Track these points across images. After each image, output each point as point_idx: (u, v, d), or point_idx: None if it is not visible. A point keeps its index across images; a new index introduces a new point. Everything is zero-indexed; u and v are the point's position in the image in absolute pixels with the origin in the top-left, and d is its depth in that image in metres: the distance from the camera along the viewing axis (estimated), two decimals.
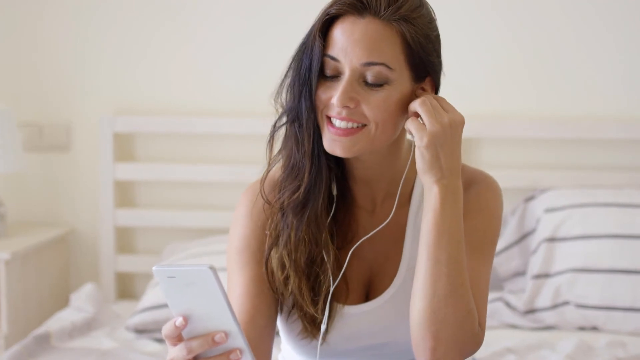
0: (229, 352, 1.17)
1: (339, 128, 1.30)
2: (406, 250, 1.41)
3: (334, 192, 1.39)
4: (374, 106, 1.29)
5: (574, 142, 2.85)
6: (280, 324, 1.44)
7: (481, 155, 2.86)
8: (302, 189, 1.35)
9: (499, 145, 2.87)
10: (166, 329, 1.18)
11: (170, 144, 2.99)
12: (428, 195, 1.29)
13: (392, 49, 1.29)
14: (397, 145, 1.38)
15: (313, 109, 1.32)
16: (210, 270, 1.12)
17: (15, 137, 2.79)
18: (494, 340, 2.37)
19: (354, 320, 1.40)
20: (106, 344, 2.40)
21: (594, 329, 2.50)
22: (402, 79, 1.30)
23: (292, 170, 1.36)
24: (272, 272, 1.38)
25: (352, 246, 1.40)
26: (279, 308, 1.41)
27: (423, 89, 1.34)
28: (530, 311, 2.51)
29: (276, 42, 2.83)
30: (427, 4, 1.34)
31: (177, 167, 2.95)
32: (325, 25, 1.31)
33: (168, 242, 2.93)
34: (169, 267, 1.15)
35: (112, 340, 2.42)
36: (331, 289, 1.37)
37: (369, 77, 1.29)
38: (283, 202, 1.37)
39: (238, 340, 1.17)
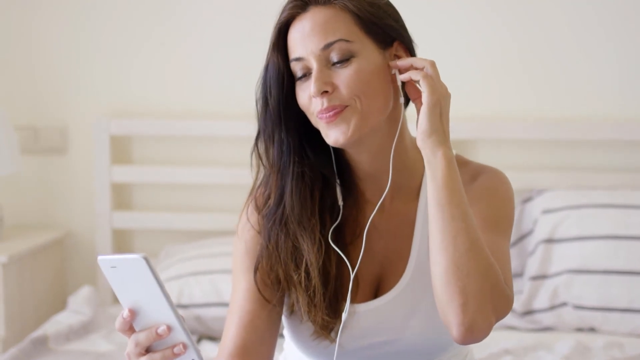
0: (173, 346, 1.17)
1: (325, 109, 1.31)
2: (415, 246, 1.41)
3: (340, 203, 1.41)
4: (349, 81, 1.31)
5: (571, 143, 2.85)
6: (289, 327, 1.44)
7: (478, 156, 2.85)
8: (272, 198, 1.40)
9: (495, 147, 2.87)
10: (116, 322, 1.19)
11: (166, 147, 2.99)
12: (432, 159, 1.28)
13: (344, 25, 1.32)
14: (390, 125, 1.38)
15: (273, 119, 1.36)
16: (142, 260, 1.11)
17: (11, 139, 2.78)
18: (491, 341, 2.36)
19: (363, 317, 1.40)
20: (103, 347, 2.40)
21: (592, 330, 2.50)
22: (366, 49, 1.33)
23: (265, 182, 1.42)
24: (265, 280, 1.40)
25: (360, 241, 1.39)
26: (286, 312, 1.42)
27: (397, 56, 1.36)
28: (528, 312, 2.51)
29: None
30: None
31: (174, 169, 2.95)
32: (281, 38, 1.37)
33: (165, 245, 2.93)
34: (110, 257, 1.14)
35: (109, 343, 2.42)
36: (349, 288, 1.38)
37: (334, 57, 1.32)
38: (266, 213, 1.41)
39: (181, 334, 1.16)
